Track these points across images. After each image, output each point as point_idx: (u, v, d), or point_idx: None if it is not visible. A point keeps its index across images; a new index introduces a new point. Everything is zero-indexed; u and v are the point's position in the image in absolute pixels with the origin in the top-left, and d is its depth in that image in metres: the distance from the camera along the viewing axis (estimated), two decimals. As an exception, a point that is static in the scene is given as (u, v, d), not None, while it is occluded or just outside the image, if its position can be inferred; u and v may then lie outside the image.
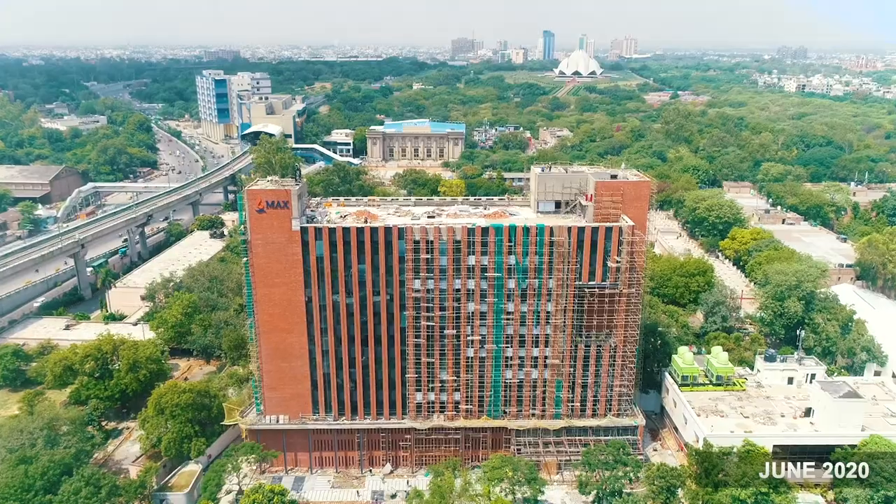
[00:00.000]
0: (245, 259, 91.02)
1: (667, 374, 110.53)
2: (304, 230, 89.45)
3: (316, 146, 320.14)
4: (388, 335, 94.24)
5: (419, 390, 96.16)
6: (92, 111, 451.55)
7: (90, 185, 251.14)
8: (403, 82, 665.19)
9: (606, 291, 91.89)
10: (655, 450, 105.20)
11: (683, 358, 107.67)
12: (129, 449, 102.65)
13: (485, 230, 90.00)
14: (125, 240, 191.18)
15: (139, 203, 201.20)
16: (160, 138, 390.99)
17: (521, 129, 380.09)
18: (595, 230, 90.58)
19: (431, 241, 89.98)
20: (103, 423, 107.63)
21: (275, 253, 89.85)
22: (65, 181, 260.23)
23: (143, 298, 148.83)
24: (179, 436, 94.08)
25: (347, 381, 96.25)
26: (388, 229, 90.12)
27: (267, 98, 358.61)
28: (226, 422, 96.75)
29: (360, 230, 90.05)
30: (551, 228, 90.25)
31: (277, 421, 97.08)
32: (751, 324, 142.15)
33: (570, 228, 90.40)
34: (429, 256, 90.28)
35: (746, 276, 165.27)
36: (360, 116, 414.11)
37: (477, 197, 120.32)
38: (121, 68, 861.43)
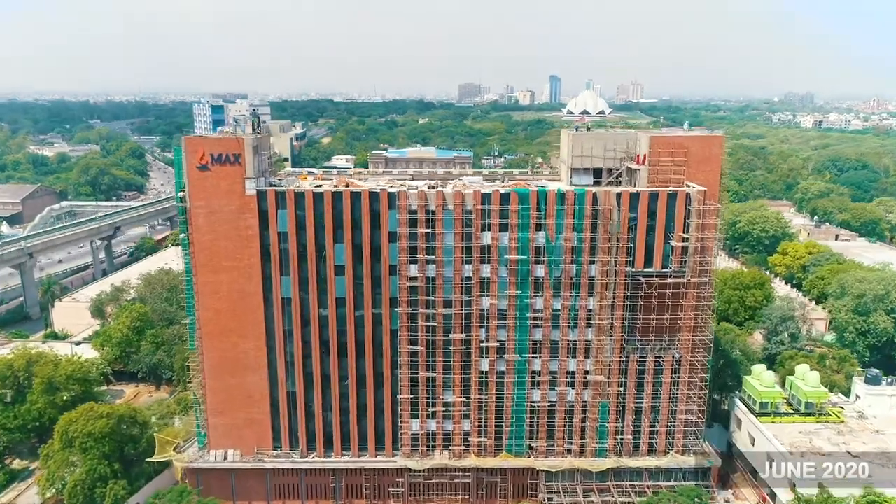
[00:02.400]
0: (182, 234, 67.97)
1: (736, 401, 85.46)
2: (261, 195, 66.67)
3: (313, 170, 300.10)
4: (375, 341, 70.34)
5: (415, 417, 71.61)
6: (87, 141, 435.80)
7: (65, 203, 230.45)
8: (409, 118, 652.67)
9: (669, 281, 68.07)
10: (727, 501, 79.38)
11: (761, 379, 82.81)
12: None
13: (504, 196, 66.94)
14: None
15: (108, 214, 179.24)
16: (154, 167, 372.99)
17: (532, 155, 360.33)
18: (653, 196, 67.40)
19: (433, 212, 66.93)
20: (7, 462, 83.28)
21: (222, 226, 66.85)
22: (39, 201, 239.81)
23: (93, 315, 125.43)
24: (91, 477, 69.41)
25: (319, 403, 71.84)
26: (374, 195, 67.21)
27: (265, 122, 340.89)
28: (154, 458, 71.90)
29: (337, 196, 67.15)
30: (594, 194, 67.16)
31: (225, 458, 72.32)
32: (818, 347, 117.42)
33: (618, 194, 67.28)
34: (429, 232, 67.07)
35: (805, 295, 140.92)
36: (362, 145, 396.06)
37: (492, 171, 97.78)
38: (127, 108, 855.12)
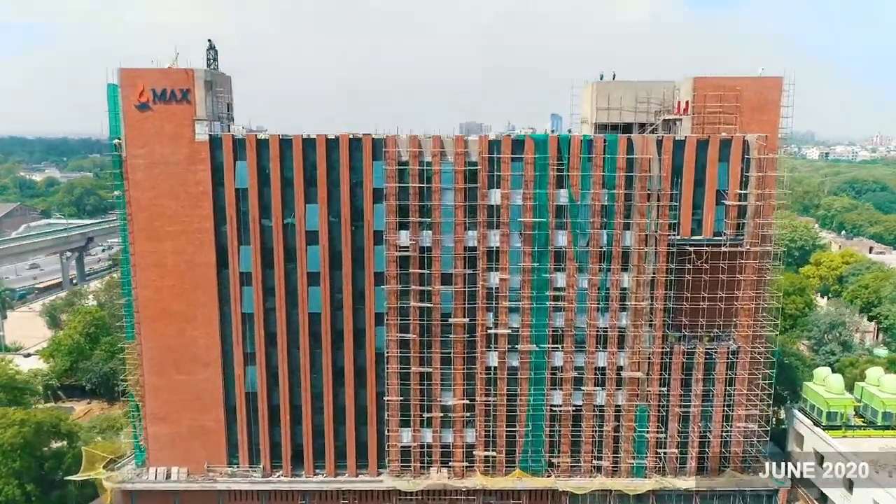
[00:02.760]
0: (117, 192, 54.78)
1: (795, 412, 70.85)
2: (215, 142, 53.71)
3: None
4: (356, 328, 56.46)
5: (406, 425, 57.25)
6: (80, 169, 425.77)
7: (43, 220, 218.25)
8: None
9: (722, 250, 54.51)
10: (792, 534, 64.17)
11: (827, 385, 68.33)
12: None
13: (517, 143, 53.92)
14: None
15: (81, 226, 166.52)
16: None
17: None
18: (702, 145, 54.38)
19: (428, 164, 53.86)
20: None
21: (166, 180, 53.71)
22: (18, 219, 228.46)
23: (49, 326, 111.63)
24: (-4, 500, 54.90)
25: (287, 407, 57.57)
26: (355, 142, 54.22)
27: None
28: (78, 475, 57.17)
29: (309, 143, 54.19)
30: (628, 140, 54.13)
31: (168, 476, 57.68)
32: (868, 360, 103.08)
33: (659, 141, 54.26)
34: (423, 189, 53.88)
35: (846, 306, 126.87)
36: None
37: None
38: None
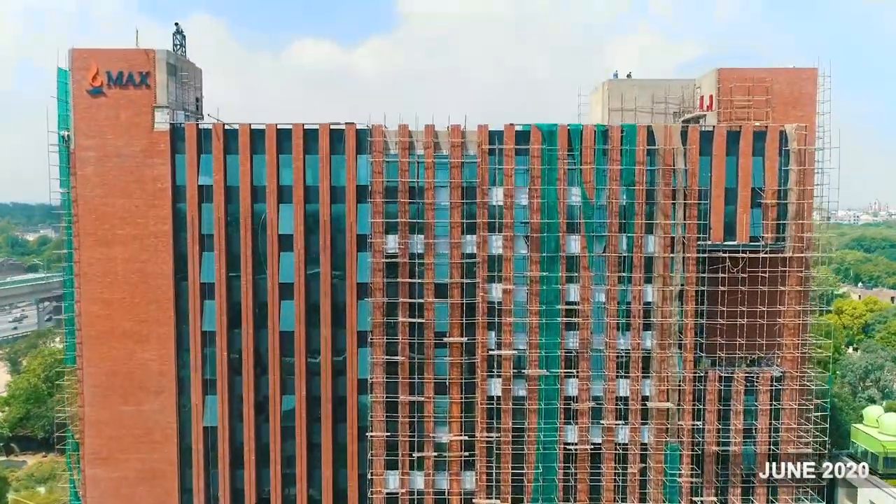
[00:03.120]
0: (62, 189, 47.72)
1: (843, 461, 61.52)
2: (177, 133, 47.04)
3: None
4: (335, 348, 48.25)
5: (393, 467, 48.23)
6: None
7: (31, 275, 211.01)
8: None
9: (761, 257, 46.97)
10: None
11: (882, 426, 59.79)
12: None
13: (522, 134, 47.23)
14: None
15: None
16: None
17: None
18: (733, 137, 47.70)
19: (420, 157, 47.05)
20: None
21: (119, 176, 46.76)
22: (6, 273, 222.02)
23: (10, 372, 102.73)
24: None
25: (252, 445, 48.65)
26: (336, 133, 47.59)
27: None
28: (-2, 529, 47.87)
29: (284, 134, 47.53)
30: (649, 129, 47.48)
31: (107, 530, 48.20)
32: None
33: (685, 131, 47.61)
34: (414, 184, 46.87)
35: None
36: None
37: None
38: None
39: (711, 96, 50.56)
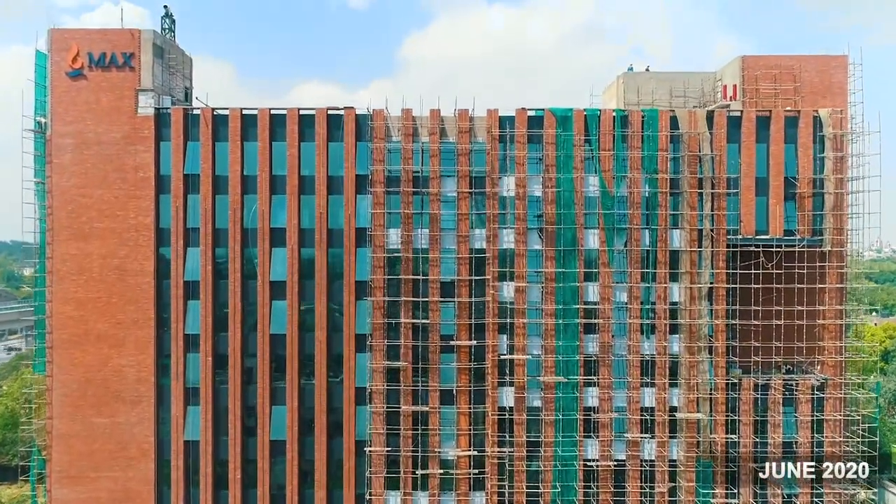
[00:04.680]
0: (37, 180, 43.99)
1: (886, 484, 56.70)
2: (161, 118, 43.59)
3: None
4: (331, 353, 43.87)
5: (394, 486, 43.37)
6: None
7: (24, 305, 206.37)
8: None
9: (798, 251, 42.98)
10: None
11: (925, 444, 54.71)
12: None
13: (535, 119, 43.74)
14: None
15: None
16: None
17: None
18: (763, 122, 44.20)
19: (424, 141, 43.48)
20: None
21: (99, 165, 43.13)
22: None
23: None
24: None
25: (238, 462, 43.88)
26: (334, 118, 44.05)
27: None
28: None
29: (277, 120, 44.04)
30: (672, 115, 44.00)
31: (74, 559, 43.07)
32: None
33: (711, 114, 44.14)
34: (418, 173, 43.19)
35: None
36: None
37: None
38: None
39: (735, 85, 47.24)
